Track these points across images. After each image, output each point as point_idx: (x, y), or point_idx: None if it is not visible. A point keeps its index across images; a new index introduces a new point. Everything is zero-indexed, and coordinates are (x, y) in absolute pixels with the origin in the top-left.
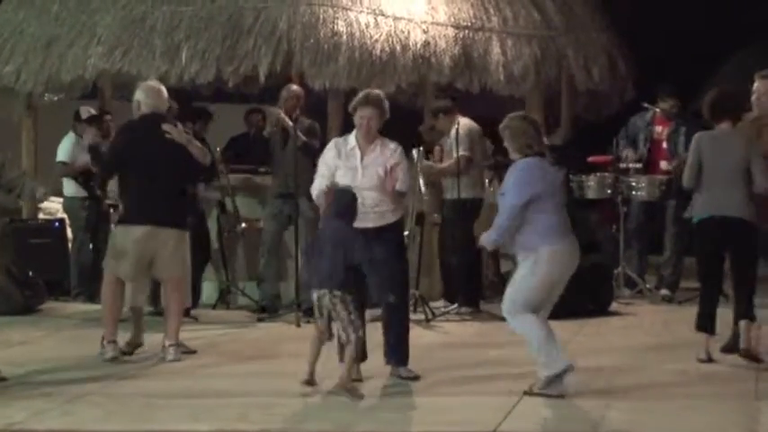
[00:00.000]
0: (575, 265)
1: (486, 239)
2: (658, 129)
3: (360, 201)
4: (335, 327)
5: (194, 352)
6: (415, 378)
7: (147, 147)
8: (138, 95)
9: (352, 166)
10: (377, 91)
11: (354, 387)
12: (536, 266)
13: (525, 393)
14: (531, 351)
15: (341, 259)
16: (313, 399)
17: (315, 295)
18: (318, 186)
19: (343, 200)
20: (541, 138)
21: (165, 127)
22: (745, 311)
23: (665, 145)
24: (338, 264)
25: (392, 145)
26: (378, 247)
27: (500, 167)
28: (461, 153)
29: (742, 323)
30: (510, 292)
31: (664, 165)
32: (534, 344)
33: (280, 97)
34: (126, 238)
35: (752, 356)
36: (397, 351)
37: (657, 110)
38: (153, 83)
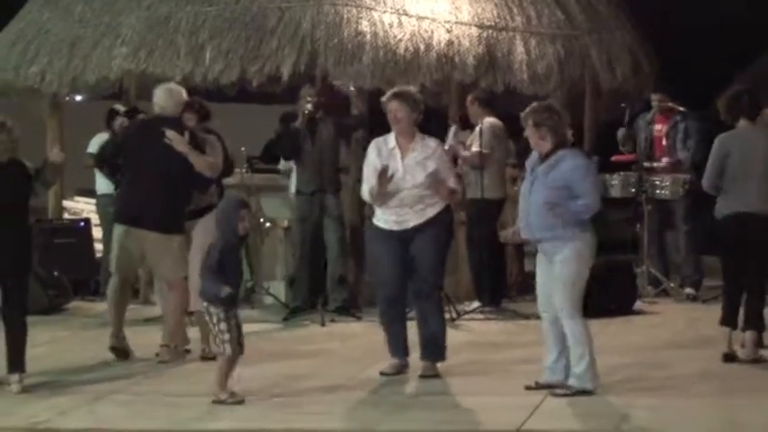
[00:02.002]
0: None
1: (563, 212)
2: (658, 127)
3: (399, 201)
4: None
5: (213, 358)
6: (436, 377)
7: (141, 147)
8: (154, 96)
9: (394, 167)
10: (408, 87)
11: (226, 399)
12: (580, 257)
13: (554, 395)
14: (570, 354)
15: (205, 271)
16: (338, 397)
17: None
18: (367, 190)
19: (226, 211)
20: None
21: (168, 133)
22: (754, 322)
23: (664, 142)
24: (204, 275)
25: (432, 143)
26: (417, 243)
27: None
28: (482, 150)
29: (748, 334)
30: (563, 293)
31: (664, 161)
32: (583, 351)
33: (300, 96)
34: (115, 235)
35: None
36: (427, 347)
37: (670, 104)
38: (167, 84)
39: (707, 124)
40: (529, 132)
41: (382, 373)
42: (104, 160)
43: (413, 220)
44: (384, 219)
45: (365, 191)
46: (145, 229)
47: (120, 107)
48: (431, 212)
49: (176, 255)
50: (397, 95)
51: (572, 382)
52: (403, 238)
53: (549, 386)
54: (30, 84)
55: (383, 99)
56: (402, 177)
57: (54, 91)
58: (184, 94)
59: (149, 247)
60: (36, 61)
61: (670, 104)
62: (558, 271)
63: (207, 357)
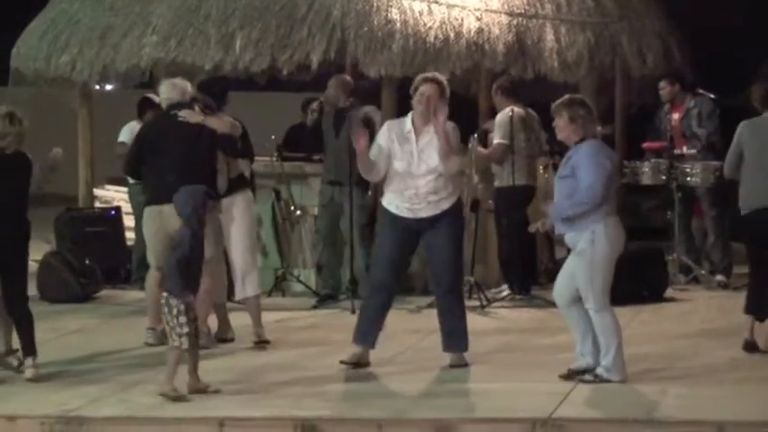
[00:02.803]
0: (622, 246)
1: (555, 217)
2: (675, 116)
3: (414, 191)
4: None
5: (266, 342)
6: (464, 366)
7: (157, 138)
8: (159, 93)
9: (409, 151)
10: (441, 75)
11: (169, 392)
12: (594, 246)
13: (582, 381)
14: (588, 341)
15: (169, 261)
16: (369, 385)
17: None
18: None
19: (195, 201)
20: (595, 121)
21: (181, 112)
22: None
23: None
24: (167, 265)
25: (446, 126)
26: (431, 236)
27: (555, 154)
28: (498, 141)
29: None
30: (586, 286)
31: (685, 150)
32: (609, 342)
33: (328, 85)
34: (144, 224)
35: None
36: (450, 338)
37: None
38: (168, 79)
39: (719, 106)
40: (560, 124)
41: (342, 362)
42: (134, 172)
43: (425, 210)
44: (396, 204)
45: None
46: (165, 204)
47: (153, 96)
48: (445, 205)
49: (215, 232)
50: (431, 79)
51: (599, 371)
52: (414, 228)
53: (579, 371)
54: (60, 73)
55: (416, 79)
56: (417, 163)
57: (84, 80)
58: (189, 87)
59: (173, 225)
60: (67, 50)
61: (676, 88)
62: (578, 263)
63: (260, 342)
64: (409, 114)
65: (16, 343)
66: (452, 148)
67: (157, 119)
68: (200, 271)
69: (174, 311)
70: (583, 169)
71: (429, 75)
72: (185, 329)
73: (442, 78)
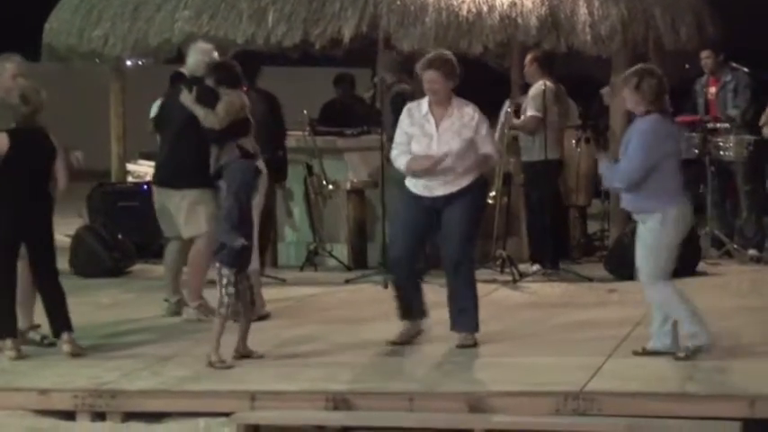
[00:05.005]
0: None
1: (609, 173)
2: (712, 90)
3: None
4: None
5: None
6: (473, 346)
7: (167, 109)
8: None
9: (428, 133)
10: (443, 52)
11: (216, 362)
12: (664, 228)
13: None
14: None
15: (220, 233)
16: (400, 359)
17: None
18: (396, 157)
19: (244, 177)
20: (665, 94)
21: (182, 94)
22: None
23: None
24: (219, 237)
25: (469, 109)
26: (447, 212)
27: (588, 128)
28: (531, 113)
29: None
30: (644, 261)
31: (719, 124)
32: (681, 314)
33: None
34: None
35: None
36: (459, 317)
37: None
38: (196, 43)
39: (756, 81)
40: (626, 94)
41: (391, 343)
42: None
43: (441, 189)
44: (413, 183)
45: (393, 158)
46: (164, 188)
47: (186, 71)
48: (463, 182)
49: (187, 212)
50: (434, 65)
51: (687, 343)
52: (431, 206)
53: (655, 353)
54: (93, 48)
55: (418, 66)
56: (436, 146)
57: (117, 55)
58: (206, 52)
59: (169, 204)
60: (99, 25)
61: (720, 60)
62: (642, 237)
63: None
64: (425, 98)
65: (37, 318)
66: (496, 144)
67: (172, 93)
68: (251, 244)
69: (224, 281)
70: (631, 148)
71: (430, 58)
72: (232, 300)
73: (445, 56)
